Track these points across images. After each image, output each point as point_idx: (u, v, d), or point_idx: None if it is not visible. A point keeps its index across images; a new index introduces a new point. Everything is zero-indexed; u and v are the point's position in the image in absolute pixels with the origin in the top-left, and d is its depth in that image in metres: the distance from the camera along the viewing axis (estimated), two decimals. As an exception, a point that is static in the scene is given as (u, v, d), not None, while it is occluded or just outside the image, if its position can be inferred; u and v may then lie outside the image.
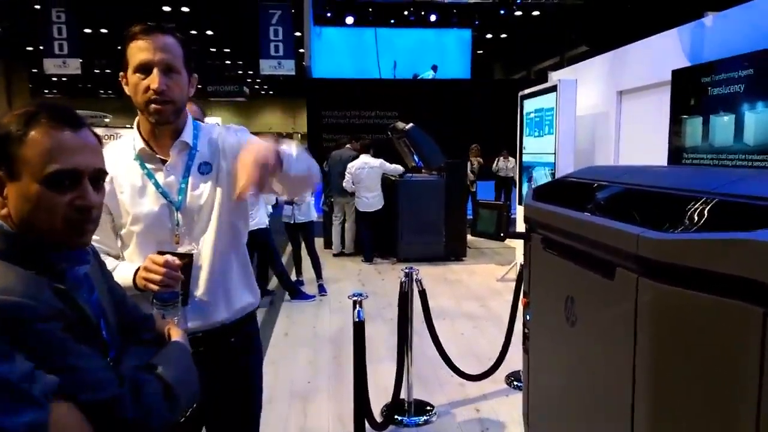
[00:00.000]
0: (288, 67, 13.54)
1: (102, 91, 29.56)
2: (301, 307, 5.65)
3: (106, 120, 17.51)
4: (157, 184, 1.54)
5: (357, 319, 2.67)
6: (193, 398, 1.03)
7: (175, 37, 1.51)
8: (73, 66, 12.98)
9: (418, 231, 7.65)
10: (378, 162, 7.58)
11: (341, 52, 14.76)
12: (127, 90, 1.52)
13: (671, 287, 1.57)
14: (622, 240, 1.79)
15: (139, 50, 1.46)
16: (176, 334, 1.16)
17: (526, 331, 2.78)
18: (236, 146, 1.53)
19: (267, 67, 13.58)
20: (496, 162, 11.87)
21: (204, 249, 1.55)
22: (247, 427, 1.72)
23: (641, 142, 4.90)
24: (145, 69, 1.46)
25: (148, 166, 1.55)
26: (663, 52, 4.62)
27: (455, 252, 7.90)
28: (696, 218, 1.67)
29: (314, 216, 6.25)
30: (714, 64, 3.78)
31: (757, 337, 1.33)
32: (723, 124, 3.67)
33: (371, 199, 7.54)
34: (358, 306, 2.69)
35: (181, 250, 1.52)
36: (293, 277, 6.22)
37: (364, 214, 7.63)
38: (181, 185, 1.55)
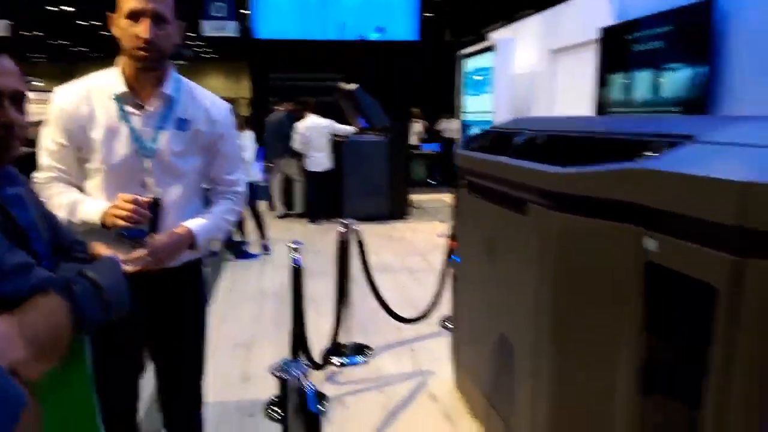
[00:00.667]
0: (231, 29, 13.15)
1: (33, 55, 27.89)
2: (245, 266, 5.71)
3: (40, 85, 16.65)
4: (132, 129, 1.57)
5: (294, 265, 2.77)
6: (124, 304, 1.11)
7: None
8: (2, 27, 12.24)
9: (362, 191, 7.76)
10: (327, 122, 7.60)
11: (286, 12, 14.42)
12: (114, 32, 1.54)
13: (571, 215, 1.75)
14: (532, 177, 1.95)
15: None
16: (105, 252, 1.23)
17: (454, 272, 2.96)
18: (217, 141, 1.70)
19: (209, 28, 13.15)
20: (440, 123, 12.03)
21: (168, 198, 1.61)
22: (194, 358, 1.80)
23: (574, 98, 5.13)
24: (135, 16, 1.49)
25: (126, 109, 1.58)
26: (593, 11, 4.80)
27: (399, 211, 8.08)
28: (593, 155, 1.84)
29: (257, 176, 6.25)
30: (637, 22, 3.99)
31: (639, 253, 1.52)
32: (644, 79, 3.91)
33: (320, 159, 7.58)
34: (295, 252, 2.79)
35: (147, 196, 1.56)
36: (237, 239, 6.24)
37: (313, 174, 7.67)
38: (156, 134, 1.59)
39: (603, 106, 4.35)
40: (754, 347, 1.17)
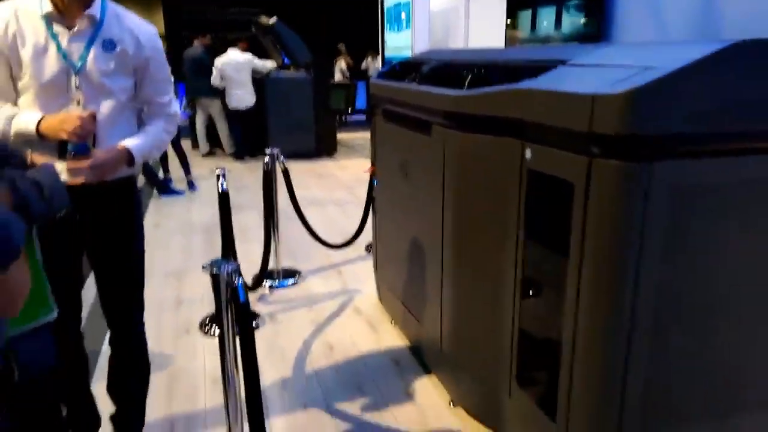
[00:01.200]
0: (139, -45, 12.29)
1: None
2: (171, 202, 5.72)
3: None
4: (59, 46, 1.65)
5: (221, 190, 2.92)
6: (63, 202, 1.26)
7: None
8: None
9: (288, 129, 7.78)
10: (245, 57, 7.47)
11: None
12: None
13: (466, 133, 2.01)
14: (433, 100, 2.19)
15: None
16: (42, 160, 1.36)
17: (374, 195, 3.21)
18: (145, 63, 1.79)
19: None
20: (365, 61, 12.01)
21: (99, 115, 1.70)
22: (134, 266, 1.95)
23: (487, 35, 5.36)
24: None
25: (54, 28, 1.65)
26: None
27: (326, 148, 8.19)
28: (486, 79, 2.09)
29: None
30: (541, -40, 4.21)
31: (517, 161, 1.80)
32: (547, 15, 4.18)
33: (242, 96, 7.49)
34: (221, 178, 2.92)
35: (86, 111, 1.66)
36: (160, 176, 6.20)
37: (234, 112, 7.60)
38: (83, 52, 1.68)
39: (512, 42, 4.62)
40: (599, 228, 1.49)
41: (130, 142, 1.77)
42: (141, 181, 6.18)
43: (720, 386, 1.66)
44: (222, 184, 2.92)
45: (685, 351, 1.57)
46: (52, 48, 1.65)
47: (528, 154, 1.75)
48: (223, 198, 2.93)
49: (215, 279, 1.58)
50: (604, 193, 1.45)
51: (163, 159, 6.32)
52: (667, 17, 3.16)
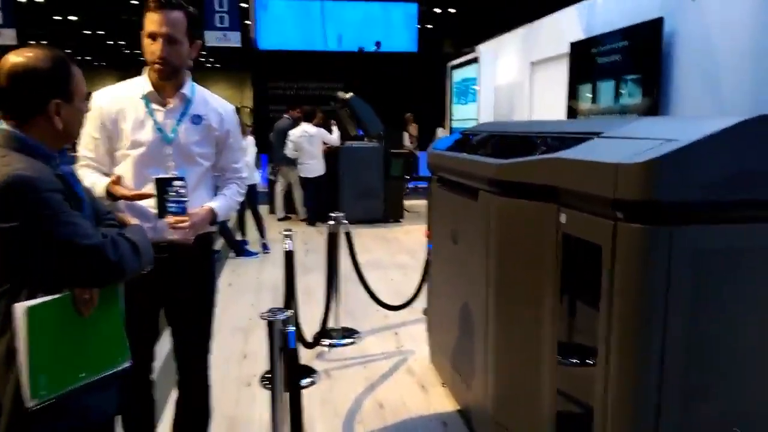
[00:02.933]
0: (234, 39, 13.57)
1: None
2: (245, 263, 6.09)
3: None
4: (155, 121, 1.97)
5: (287, 249, 3.15)
6: (150, 260, 1.49)
7: (182, 9, 1.93)
8: (9, 36, 12.69)
9: (358, 195, 8.14)
10: (315, 130, 8.01)
11: (287, 23, 14.87)
12: (142, 46, 1.96)
13: (507, 198, 2.13)
14: (480, 168, 2.34)
15: (150, 21, 1.90)
16: (133, 221, 1.62)
17: (429, 258, 3.33)
18: (225, 136, 2.10)
19: (212, 38, 13.57)
20: (436, 133, 12.41)
21: (187, 180, 1.98)
22: (205, 320, 2.17)
23: (550, 107, 5.52)
24: (153, 37, 1.91)
25: (152, 106, 1.99)
26: (565, 27, 5.20)
27: (393, 214, 8.46)
28: (529, 149, 2.23)
29: (257, 179, 6.64)
30: (600, 37, 4.38)
31: (553, 225, 1.90)
32: (606, 89, 4.30)
33: (312, 165, 7.97)
34: (288, 239, 3.16)
35: (167, 175, 1.95)
36: (238, 238, 6.62)
37: (306, 180, 8.07)
38: (175, 125, 2.00)
39: (573, 113, 4.74)
40: (625, 289, 1.54)
41: (214, 204, 2.03)
42: (220, 242, 6.64)
43: (765, 460, 1.61)
44: (288, 244, 3.16)
45: (713, 411, 1.55)
46: (149, 122, 1.96)
47: (563, 218, 1.84)
48: (288, 257, 3.16)
49: (270, 326, 1.75)
50: (628, 255, 1.52)
51: (241, 222, 6.78)
52: (723, 91, 3.20)
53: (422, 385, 3.17)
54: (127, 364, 1.47)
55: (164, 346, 2.76)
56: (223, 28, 13.31)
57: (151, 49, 1.92)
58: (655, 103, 3.65)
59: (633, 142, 1.67)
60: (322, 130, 8.06)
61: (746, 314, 1.52)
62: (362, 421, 2.80)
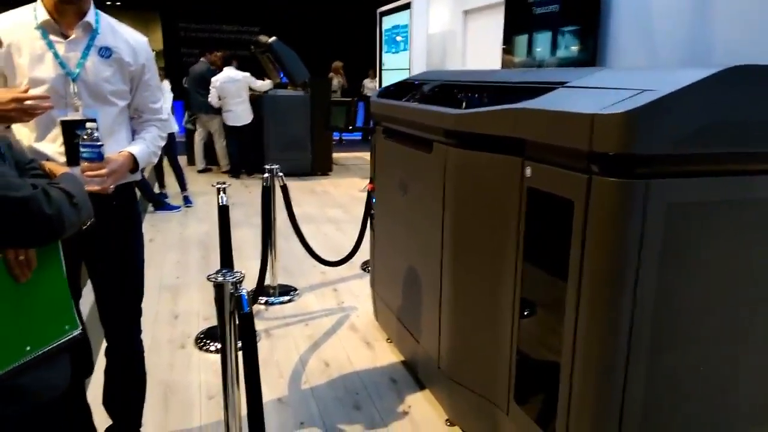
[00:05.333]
0: (138, -26, 12.47)
1: None
2: (166, 217, 5.72)
3: None
4: (56, 54, 1.68)
5: (221, 204, 2.93)
6: (89, 212, 1.27)
7: None
8: None
9: (284, 147, 7.83)
10: (242, 75, 7.54)
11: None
12: None
13: (466, 150, 2.04)
14: (435, 119, 2.23)
15: None
16: (62, 169, 1.38)
17: (373, 211, 3.23)
18: (140, 70, 1.85)
19: (113, -28, 12.40)
20: (363, 84, 12.12)
21: (100, 122, 1.73)
22: (134, 279, 1.96)
23: (484, 57, 5.46)
24: None
25: (50, 37, 1.69)
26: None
27: (322, 167, 8.24)
28: (485, 99, 2.14)
29: (175, 128, 6.19)
30: (537, -14, 4.31)
31: (517, 179, 1.83)
32: (542, 40, 4.27)
33: (239, 113, 7.55)
34: (221, 192, 2.94)
35: (74, 116, 1.69)
36: (156, 191, 6.21)
37: (232, 128, 7.64)
38: (80, 60, 1.71)
39: (507, 65, 4.71)
40: (598, 244, 1.52)
41: (133, 149, 1.79)
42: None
43: (719, 401, 1.68)
44: (222, 198, 2.94)
45: (684, 367, 1.59)
46: (49, 56, 1.68)
47: (528, 172, 1.79)
48: (223, 212, 2.94)
49: (219, 289, 1.59)
50: (603, 210, 1.49)
51: (159, 174, 6.35)
52: (659, 43, 3.25)
53: (367, 341, 3.12)
54: (77, 332, 1.27)
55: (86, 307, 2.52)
56: (125, -39, 12.18)
57: None
58: (593, 55, 3.67)
59: (604, 92, 1.62)
60: (249, 75, 7.61)
61: (717, 267, 1.54)
62: (308, 381, 2.72)
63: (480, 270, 2.06)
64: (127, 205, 1.87)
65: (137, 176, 1.88)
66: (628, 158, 1.43)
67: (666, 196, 1.45)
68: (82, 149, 1.60)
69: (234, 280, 1.57)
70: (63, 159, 1.69)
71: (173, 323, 3.29)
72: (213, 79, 7.47)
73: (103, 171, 1.63)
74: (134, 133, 1.92)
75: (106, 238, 1.83)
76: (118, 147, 1.79)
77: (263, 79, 7.95)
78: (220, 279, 1.56)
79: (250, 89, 7.66)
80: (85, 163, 1.61)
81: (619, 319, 1.51)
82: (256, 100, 7.79)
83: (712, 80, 1.42)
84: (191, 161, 8.33)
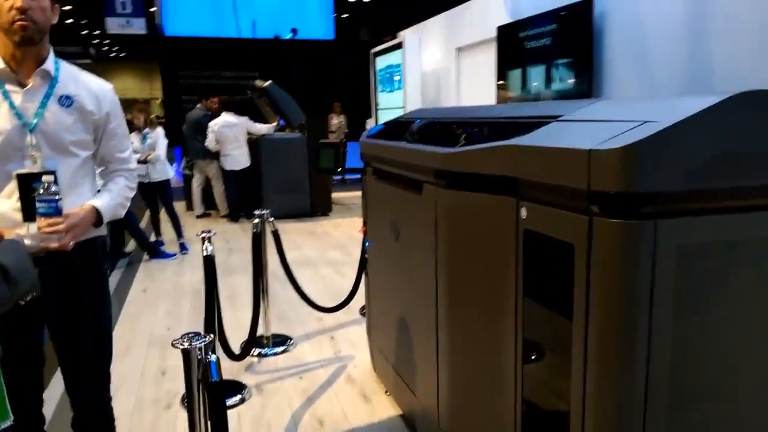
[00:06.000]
0: (138, 26, 12.69)
1: None
2: (161, 266, 5.59)
3: None
4: (12, 105, 1.58)
5: (205, 253, 2.80)
6: (32, 285, 1.14)
7: None
8: None
9: (283, 189, 7.75)
10: (239, 119, 7.53)
11: (195, 8, 14.04)
12: None
13: (457, 191, 1.91)
14: (423, 158, 2.11)
15: None
16: (8, 234, 1.25)
17: (366, 256, 3.09)
18: (105, 119, 1.75)
19: (114, 25, 12.63)
20: (366, 125, 12.09)
21: (61, 175, 1.62)
22: (100, 346, 1.81)
23: (478, 93, 5.41)
24: None
25: (6, 86, 1.59)
26: (491, 11, 5.08)
27: (321, 207, 8.14)
28: (478, 136, 2.02)
29: (170, 174, 6.12)
30: (528, 20, 4.28)
31: (512, 220, 1.70)
32: (536, 74, 4.21)
33: (237, 157, 7.50)
34: (206, 242, 2.81)
35: (31, 169, 1.58)
36: (152, 239, 6.10)
37: (229, 173, 7.58)
38: (38, 109, 1.61)
39: (503, 100, 4.63)
40: (604, 290, 1.36)
41: (96, 201, 1.67)
42: (132, 245, 6.08)
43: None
44: (207, 248, 2.80)
45: (703, 419, 1.41)
46: (4, 107, 1.58)
47: (523, 213, 1.65)
48: (209, 262, 2.81)
49: (186, 355, 1.44)
50: (607, 254, 1.34)
51: (155, 221, 6.24)
52: (655, 72, 3.16)
53: (364, 394, 2.94)
54: (6, 424, 1.13)
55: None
56: (125, 14, 12.41)
57: (8, 4, 1.51)
58: (589, 86, 3.59)
59: (602, 125, 1.49)
60: (246, 119, 7.60)
61: (738, 311, 1.38)
62: (301, 441, 2.53)
63: (478, 319, 1.90)
64: (90, 263, 1.73)
65: (102, 231, 1.75)
66: (632, 197, 1.29)
67: (676, 237, 1.31)
68: (38, 204, 1.49)
69: (202, 344, 1.42)
70: (20, 216, 1.56)
71: (159, 381, 3.11)
72: (211, 123, 7.46)
73: (61, 226, 1.50)
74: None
75: (69, 299, 1.69)
76: (81, 200, 1.67)
77: (264, 122, 7.95)
78: (186, 344, 1.41)
79: (249, 133, 7.64)
80: (42, 219, 1.49)
81: (634, 374, 1.35)
82: (253, 143, 7.76)
83: (720, 108, 1.29)
84: (189, 207, 8.26)
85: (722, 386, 1.41)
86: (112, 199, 1.73)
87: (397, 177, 2.45)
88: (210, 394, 1.39)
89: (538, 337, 1.68)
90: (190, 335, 1.47)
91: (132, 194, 1.84)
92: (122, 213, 1.81)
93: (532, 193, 1.61)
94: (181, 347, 1.42)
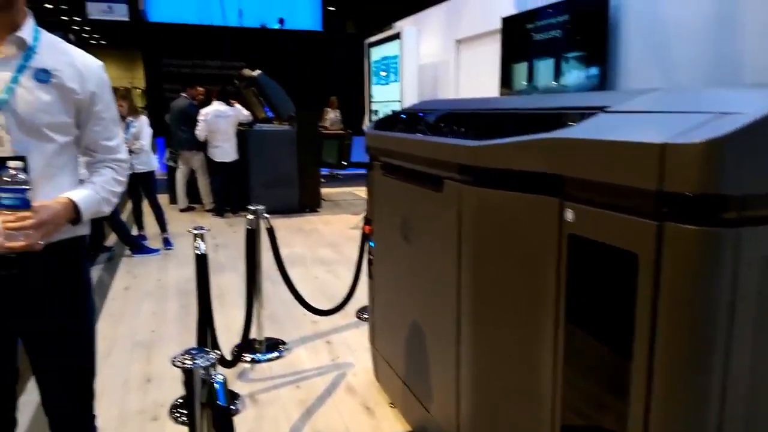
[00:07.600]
0: (120, 12, 12.31)
1: None
2: (144, 262, 5.32)
3: None
4: None
5: (198, 252, 2.57)
6: None
7: None
8: None
9: (270, 183, 7.50)
10: (232, 110, 7.25)
11: (181, -4, 13.69)
12: None
13: (486, 189, 1.72)
14: (446, 152, 1.91)
15: None
16: None
17: (371, 257, 2.89)
18: (89, 100, 1.50)
19: (95, 11, 12.24)
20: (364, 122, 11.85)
21: (34, 161, 1.38)
22: (80, 358, 1.58)
23: (478, 86, 5.22)
24: None
25: None
26: (494, 1, 4.90)
27: (310, 204, 7.90)
28: (504, 129, 1.83)
29: (155, 165, 5.84)
30: (537, 11, 4.10)
31: (554, 224, 1.51)
32: (544, 67, 4.03)
33: (226, 149, 7.23)
34: (199, 239, 2.58)
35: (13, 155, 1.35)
36: (134, 233, 5.82)
37: (217, 165, 7.30)
38: (9, 84, 1.38)
39: (506, 93, 4.46)
40: (675, 307, 1.18)
41: (75, 195, 1.44)
42: (113, 239, 5.80)
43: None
44: (200, 246, 2.58)
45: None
46: None
47: (569, 215, 1.46)
48: (201, 261, 2.58)
49: (188, 375, 1.23)
50: (681, 265, 1.16)
51: (138, 214, 5.97)
52: (676, 65, 3.00)
53: (367, 406, 2.74)
54: None
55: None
56: (107, -1, 12.03)
57: None
58: (602, 81, 3.42)
59: (665, 116, 1.31)
60: (240, 109, 7.31)
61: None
62: (301, 457, 2.33)
63: (510, 336, 1.72)
64: (68, 268, 1.50)
65: (84, 230, 1.52)
66: (714, 200, 1.11)
67: (763, 249, 1.14)
68: (2, 194, 1.26)
69: (207, 363, 1.21)
70: None
71: (145, 389, 2.87)
72: (202, 112, 7.16)
73: (29, 222, 1.28)
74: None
75: (44, 309, 1.46)
76: (57, 194, 1.44)
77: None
78: (189, 363, 1.20)
79: (240, 124, 7.37)
80: (6, 212, 1.27)
81: (706, 407, 1.17)
82: (241, 135, 7.49)
83: (815, 99, 1.12)
84: (173, 200, 7.96)
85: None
86: (94, 192, 1.50)
87: (410, 172, 2.25)
88: (218, 421, 1.18)
89: (583, 359, 1.50)
90: (192, 351, 1.26)
91: (121, 189, 1.60)
92: (107, 210, 1.57)
93: (580, 193, 1.42)
94: (182, 366, 1.21)
